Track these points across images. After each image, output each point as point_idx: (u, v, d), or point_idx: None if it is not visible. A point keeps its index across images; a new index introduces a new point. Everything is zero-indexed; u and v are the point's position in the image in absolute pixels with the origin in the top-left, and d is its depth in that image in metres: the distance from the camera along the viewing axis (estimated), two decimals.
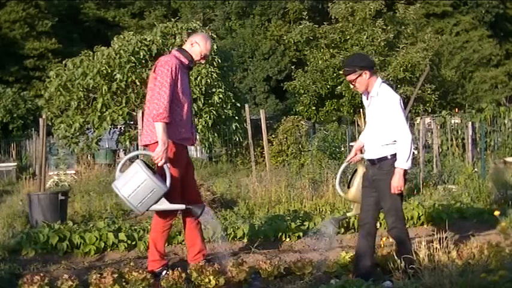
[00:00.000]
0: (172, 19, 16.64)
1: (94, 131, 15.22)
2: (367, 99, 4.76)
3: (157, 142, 4.80)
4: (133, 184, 4.74)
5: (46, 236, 6.09)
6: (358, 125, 15.00)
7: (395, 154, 4.54)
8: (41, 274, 4.68)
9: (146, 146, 5.07)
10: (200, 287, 4.75)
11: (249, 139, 11.90)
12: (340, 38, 21.92)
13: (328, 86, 21.71)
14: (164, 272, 4.95)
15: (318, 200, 8.23)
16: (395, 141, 4.55)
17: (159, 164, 4.79)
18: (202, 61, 5.22)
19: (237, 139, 15.63)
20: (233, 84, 18.52)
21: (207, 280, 4.75)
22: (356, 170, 4.99)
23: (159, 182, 4.73)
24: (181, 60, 5.03)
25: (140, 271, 4.78)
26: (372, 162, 4.69)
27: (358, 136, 15.51)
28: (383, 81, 4.71)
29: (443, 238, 4.81)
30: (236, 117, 15.69)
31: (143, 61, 15.09)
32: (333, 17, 22.45)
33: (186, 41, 5.39)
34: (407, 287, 4.07)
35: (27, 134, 24.27)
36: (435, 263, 4.44)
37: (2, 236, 6.62)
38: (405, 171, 4.52)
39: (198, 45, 5.09)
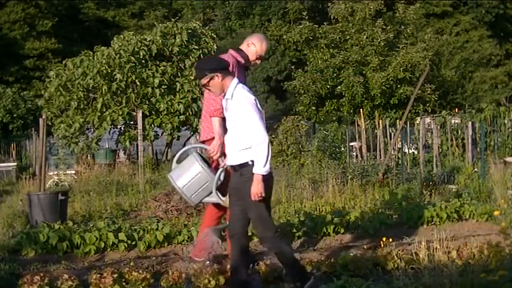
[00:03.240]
0: (172, 19, 16.64)
1: (94, 131, 15.22)
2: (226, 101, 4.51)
3: (213, 138, 4.97)
4: (189, 176, 4.83)
5: (46, 236, 6.09)
6: (358, 125, 14.99)
7: None
8: (41, 274, 4.68)
9: (203, 142, 5.22)
10: (200, 287, 4.75)
11: None
12: (340, 38, 21.91)
13: (328, 86, 21.70)
14: (208, 262, 5.07)
15: (318, 200, 8.23)
16: None
17: (214, 158, 4.95)
18: (258, 61, 5.31)
19: None
20: None
21: (206, 281, 4.74)
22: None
23: (213, 175, 4.83)
24: (238, 60, 5.14)
25: (140, 271, 4.78)
26: (234, 168, 4.43)
27: (358, 136, 15.53)
28: (239, 83, 4.42)
29: (443, 238, 4.81)
30: None
31: (143, 61, 15.10)
32: (332, 17, 22.44)
33: (241, 42, 5.49)
34: (407, 287, 4.07)
35: (27, 134, 24.29)
36: (435, 263, 4.43)
37: (2, 236, 6.64)
38: (265, 177, 4.22)
39: (254, 46, 5.23)
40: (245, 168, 4.31)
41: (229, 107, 4.41)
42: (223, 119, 4.90)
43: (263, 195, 4.23)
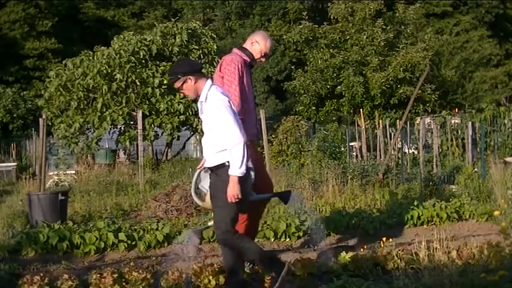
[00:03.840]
0: (172, 19, 16.65)
1: (94, 131, 15.22)
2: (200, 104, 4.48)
3: None
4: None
5: (46, 236, 6.10)
6: (358, 125, 14.99)
7: None
8: (41, 274, 4.68)
9: None
10: (200, 287, 4.75)
11: None
12: (340, 38, 21.93)
13: (328, 86, 21.71)
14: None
15: (318, 200, 8.24)
16: None
17: None
18: (263, 59, 5.30)
19: None
20: None
21: (206, 281, 4.74)
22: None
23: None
24: (244, 58, 5.15)
25: (140, 271, 4.77)
26: (211, 170, 4.42)
27: (358, 136, 15.50)
28: (213, 85, 4.42)
29: (443, 238, 4.81)
30: None
31: (143, 61, 15.10)
32: (332, 17, 22.45)
33: (245, 40, 5.43)
34: (407, 287, 4.07)
35: (27, 134, 24.30)
36: (435, 263, 4.43)
37: (2, 236, 6.64)
38: (241, 178, 4.20)
39: (258, 44, 5.20)
40: (221, 169, 4.30)
41: (204, 110, 4.39)
42: (243, 120, 4.93)
43: (239, 196, 4.21)
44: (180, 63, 4.64)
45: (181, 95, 14.62)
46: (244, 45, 5.27)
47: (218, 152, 4.32)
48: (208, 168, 4.46)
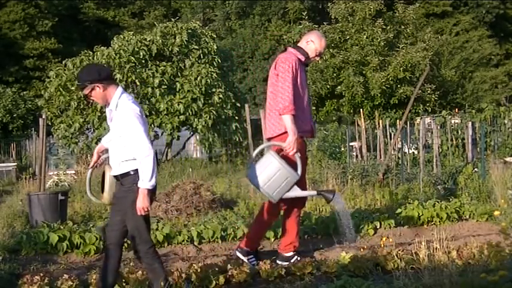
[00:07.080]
0: (172, 19, 16.65)
1: (94, 131, 15.22)
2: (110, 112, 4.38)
3: (281, 134, 5.13)
4: (268, 174, 5.03)
5: (46, 236, 6.10)
6: (358, 125, 14.99)
7: (137, 170, 4.16)
8: (41, 274, 4.69)
9: (271, 138, 5.31)
10: (200, 287, 4.75)
11: (249, 139, 11.90)
12: (340, 38, 21.94)
13: (328, 86, 21.72)
14: (252, 258, 5.31)
15: (317, 200, 8.22)
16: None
17: (291, 154, 5.08)
18: (317, 58, 5.45)
19: (237, 139, 15.63)
20: (233, 84, 18.53)
21: (207, 281, 4.74)
22: (104, 173, 4.51)
23: (292, 171, 5.03)
24: (298, 57, 5.27)
25: (140, 271, 4.77)
26: (116, 178, 4.34)
27: (358, 136, 15.47)
28: (123, 93, 4.30)
29: (443, 238, 4.81)
30: (236, 117, 15.70)
31: (143, 61, 15.10)
32: (332, 17, 22.46)
33: (299, 39, 5.58)
34: (407, 287, 4.07)
35: (27, 134, 24.30)
36: (435, 263, 4.44)
37: (2, 236, 6.63)
38: (150, 190, 4.12)
39: (313, 43, 5.34)
40: (126, 178, 4.24)
41: (114, 118, 4.30)
42: (294, 116, 5.07)
43: (149, 209, 4.17)
44: (87, 70, 4.41)
45: (181, 95, 14.74)
46: (299, 44, 5.41)
47: (124, 160, 4.25)
48: (114, 176, 4.37)
